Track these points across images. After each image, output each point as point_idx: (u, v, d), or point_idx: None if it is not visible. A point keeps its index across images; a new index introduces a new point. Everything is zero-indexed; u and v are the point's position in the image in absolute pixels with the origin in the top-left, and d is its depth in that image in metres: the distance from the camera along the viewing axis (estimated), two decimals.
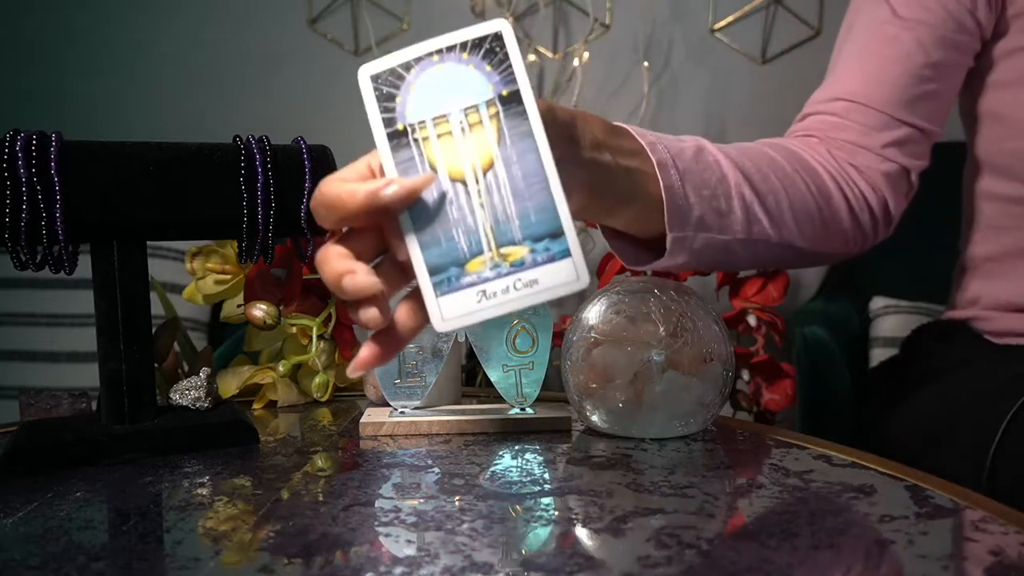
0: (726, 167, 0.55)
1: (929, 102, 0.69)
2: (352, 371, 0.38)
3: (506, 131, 0.36)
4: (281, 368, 0.67)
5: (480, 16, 1.42)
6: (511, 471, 0.50)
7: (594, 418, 0.57)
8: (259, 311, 0.65)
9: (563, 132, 0.42)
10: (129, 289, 0.54)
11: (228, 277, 0.68)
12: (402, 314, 0.38)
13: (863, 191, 0.66)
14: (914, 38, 0.68)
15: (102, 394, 0.54)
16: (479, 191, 0.36)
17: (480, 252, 0.36)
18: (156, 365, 0.66)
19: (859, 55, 0.70)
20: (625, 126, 0.50)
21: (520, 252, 0.36)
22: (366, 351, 0.38)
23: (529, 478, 0.48)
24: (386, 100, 0.37)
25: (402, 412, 0.60)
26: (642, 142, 0.50)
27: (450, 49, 0.36)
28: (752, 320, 0.92)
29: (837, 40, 0.75)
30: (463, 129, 0.36)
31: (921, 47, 0.68)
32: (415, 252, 0.36)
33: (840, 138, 0.68)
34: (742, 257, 0.58)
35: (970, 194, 0.78)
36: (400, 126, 0.37)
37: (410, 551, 0.38)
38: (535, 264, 0.36)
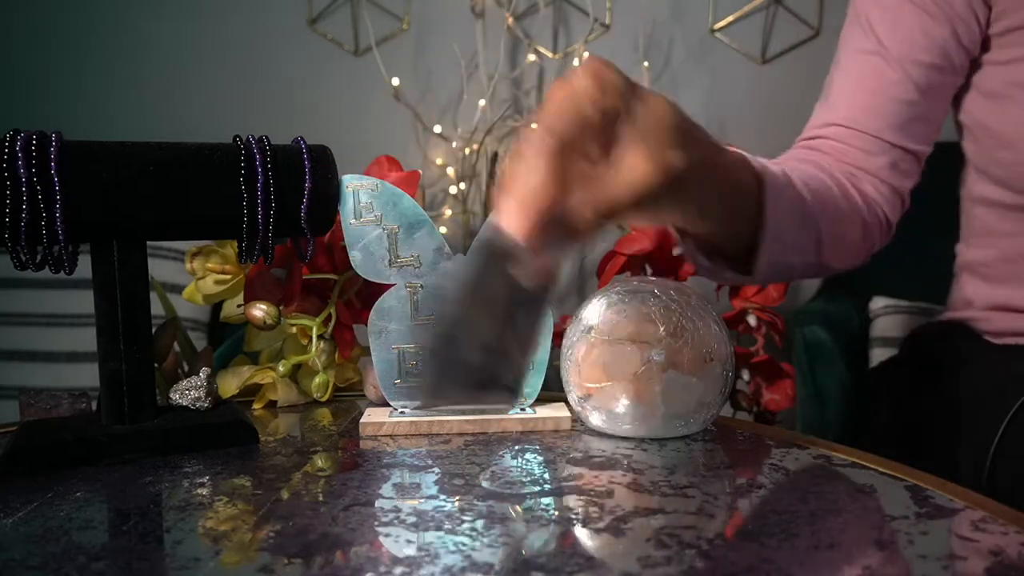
0: (803, 192, 0.60)
1: (919, 125, 0.71)
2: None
3: None
4: (281, 368, 0.67)
5: (480, 16, 1.42)
6: (511, 471, 0.50)
7: (594, 418, 0.57)
8: (259, 311, 0.65)
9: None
10: (129, 289, 0.54)
11: (228, 277, 0.68)
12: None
13: (874, 210, 0.69)
14: (900, 68, 0.69)
15: (102, 394, 0.54)
16: None
17: None
18: (156, 365, 0.66)
19: (849, 84, 0.73)
20: (731, 147, 0.52)
21: None
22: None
23: (529, 478, 0.48)
24: None
25: (402, 412, 0.60)
26: (754, 165, 0.53)
27: None
28: (752, 320, 0.92)
29: (834, 58, 0.75)
30: None
31: (907, 76, 0.69)
32: None
33: (843, 160, 0.70)
34: (785, 275, 0.63)
35: (966, 199, 0.79)
36: None
37: (410, 551, 0.38)
38: None
